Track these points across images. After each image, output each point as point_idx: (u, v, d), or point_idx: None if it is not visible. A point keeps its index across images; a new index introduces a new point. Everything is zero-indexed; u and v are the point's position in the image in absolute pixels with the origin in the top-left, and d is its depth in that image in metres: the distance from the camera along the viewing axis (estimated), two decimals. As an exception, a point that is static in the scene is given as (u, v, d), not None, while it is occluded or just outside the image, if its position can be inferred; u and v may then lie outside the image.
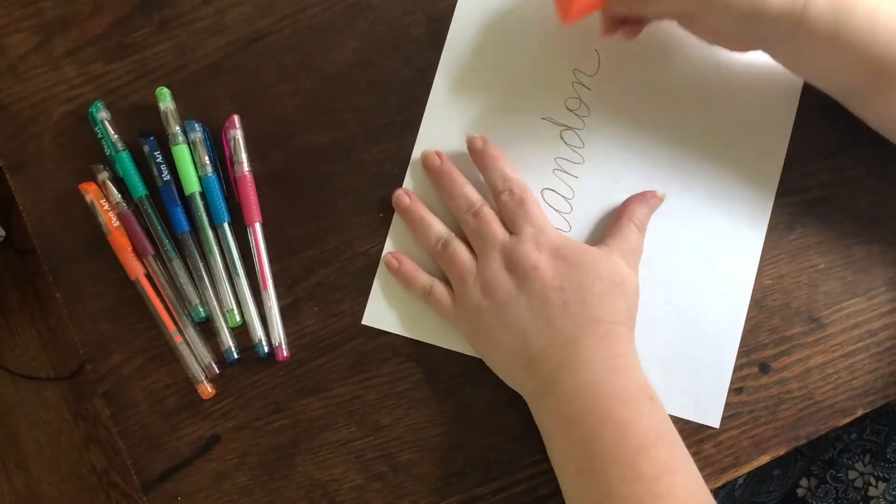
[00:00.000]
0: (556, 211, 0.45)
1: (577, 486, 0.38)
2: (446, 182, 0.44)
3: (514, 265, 0.41)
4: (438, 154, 0.45)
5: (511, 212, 0.43)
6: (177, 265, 0.45)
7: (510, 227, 0.43)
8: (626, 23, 0.42)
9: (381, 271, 0.46)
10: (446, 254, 0.43)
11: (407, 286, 0.45)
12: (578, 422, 0.37)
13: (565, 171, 0.46)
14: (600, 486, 0.36)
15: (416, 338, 0.45)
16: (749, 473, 0.52)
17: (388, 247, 0.46)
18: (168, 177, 0.45)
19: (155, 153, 0.45)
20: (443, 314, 0.44)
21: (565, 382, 0.38)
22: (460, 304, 0.43)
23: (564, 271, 0.40)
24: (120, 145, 0.46)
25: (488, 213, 0.43)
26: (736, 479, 0.53)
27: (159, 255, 0.46)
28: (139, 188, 0.46)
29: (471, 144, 0.44)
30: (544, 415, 0.40)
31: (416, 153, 0.46)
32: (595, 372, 0.38)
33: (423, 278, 0.44)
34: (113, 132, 0.46)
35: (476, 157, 0.44)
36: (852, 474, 0.48)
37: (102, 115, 0.46)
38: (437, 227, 0.44)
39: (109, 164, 0.46)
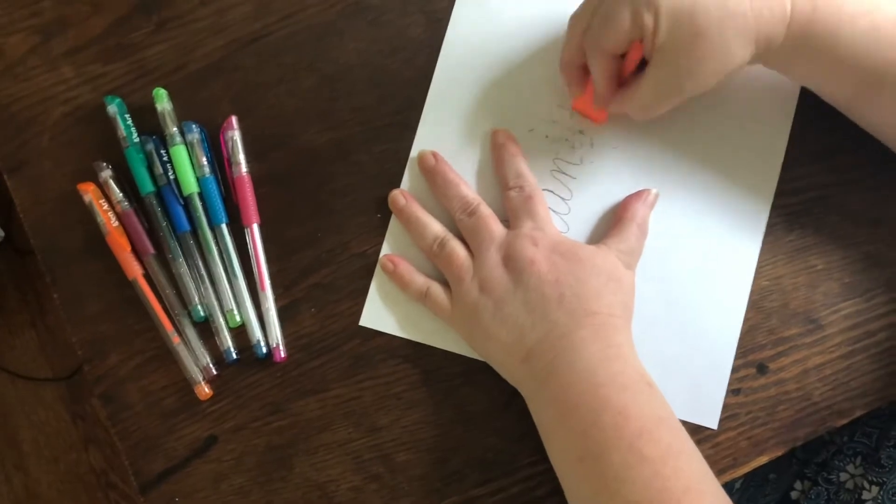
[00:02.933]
0: (555, 212, 0.45)
1: (581, 475, 0.37)
2: (441, 182, 0.44)
3: (510, 260, 0.41)
4: (433, 154, 0.45)
5: (516, 207, 0.43)
6: (179, 265, 0.45)
7: (512, 222, 0.43)
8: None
9: (378, 273, 0.45)
10: (443, 253, 0.43)
11: (403, 289, 0.45)
12: (576, 410, 0.37)
13: (563, 173, 0.46)
14: (605, 473, 0.36)
15: (413, 339, 0.45)
16: (746, 478, 0.52)
17: (386, 248, 0.46)
18: (173, 175, 0.45)
19: (160, 151, 0.45)
20: (440, 315, 0.44)
21: (562, 373, 0.38)
22: (458, 304, 0.43)
23: (561, 266, 0.40)
24: (135, 136, 0.46)
25: (485, 212, 0.43)
26: (733, 484, 0.53)
27: (159, 255, 0.46)
28: (148, 184, 0.46)
29: (493, 137, 0.45)
30: (543, 407, 0.40)
31: (415, 154, 0.46)
32: (591, 361, 0.38)
33: (420, 280, 0.44)
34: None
35: (495, 150, 0.45)
36: (843, 476, 0.48)
37: (117, 107, 0.46)
38: (434, 226, 0.44)
39: (111, 162, 0.46)
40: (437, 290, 0.44)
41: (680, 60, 0.37)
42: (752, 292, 0.44)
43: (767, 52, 0.38)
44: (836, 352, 0.44)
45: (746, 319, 0.44)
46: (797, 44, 0.38)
